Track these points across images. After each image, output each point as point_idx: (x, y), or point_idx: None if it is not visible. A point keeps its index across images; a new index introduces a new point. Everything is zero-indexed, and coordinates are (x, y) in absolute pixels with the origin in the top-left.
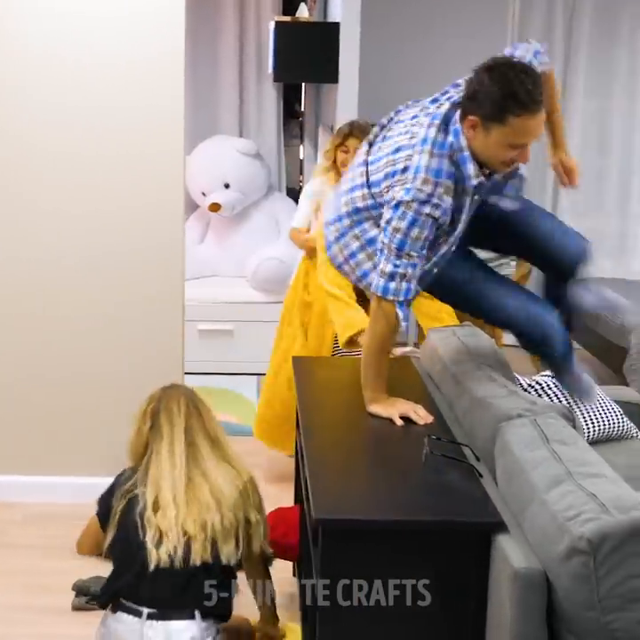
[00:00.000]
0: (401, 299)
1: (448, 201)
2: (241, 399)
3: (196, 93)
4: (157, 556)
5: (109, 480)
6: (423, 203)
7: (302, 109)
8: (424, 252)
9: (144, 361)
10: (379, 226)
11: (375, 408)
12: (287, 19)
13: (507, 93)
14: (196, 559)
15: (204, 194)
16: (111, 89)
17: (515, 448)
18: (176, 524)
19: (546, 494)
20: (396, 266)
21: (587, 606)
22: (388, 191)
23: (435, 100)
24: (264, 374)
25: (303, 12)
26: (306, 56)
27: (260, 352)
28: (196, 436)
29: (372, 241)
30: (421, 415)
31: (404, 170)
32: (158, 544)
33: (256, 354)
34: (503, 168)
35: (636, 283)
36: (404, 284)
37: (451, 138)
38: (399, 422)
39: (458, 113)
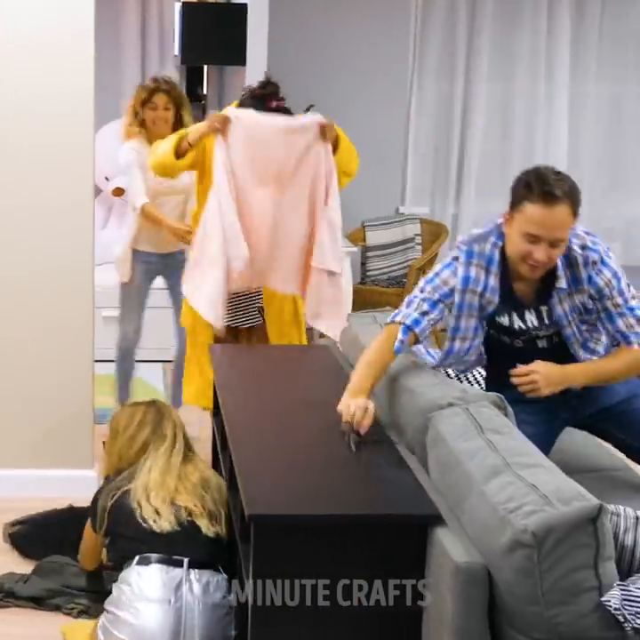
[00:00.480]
0: (408, 322)
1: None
2: (147, 386)
3: (97, 76)
4: (160, 525)
5: (25, 471)
6: (467, 259)
7: (205, 93)
8: (443, 301)
9: (55, 349)
10: None
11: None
12: None
13: (528, 181)
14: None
15: (107, 178)
16: (19, 73)
17: (448, 438)
18: (169, 500)
19: (484, 486)
20: (414, 296)
21: (530, 600)
22: None
23: None
24: (170, 361)
25: None
26: (213, 38)
27: (165, 339)
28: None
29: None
30: (358, 421)
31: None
32: (157, 516)
33: (161, 340)
34: (524, 268)
35: None
36: (414, 313)
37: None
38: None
39: None
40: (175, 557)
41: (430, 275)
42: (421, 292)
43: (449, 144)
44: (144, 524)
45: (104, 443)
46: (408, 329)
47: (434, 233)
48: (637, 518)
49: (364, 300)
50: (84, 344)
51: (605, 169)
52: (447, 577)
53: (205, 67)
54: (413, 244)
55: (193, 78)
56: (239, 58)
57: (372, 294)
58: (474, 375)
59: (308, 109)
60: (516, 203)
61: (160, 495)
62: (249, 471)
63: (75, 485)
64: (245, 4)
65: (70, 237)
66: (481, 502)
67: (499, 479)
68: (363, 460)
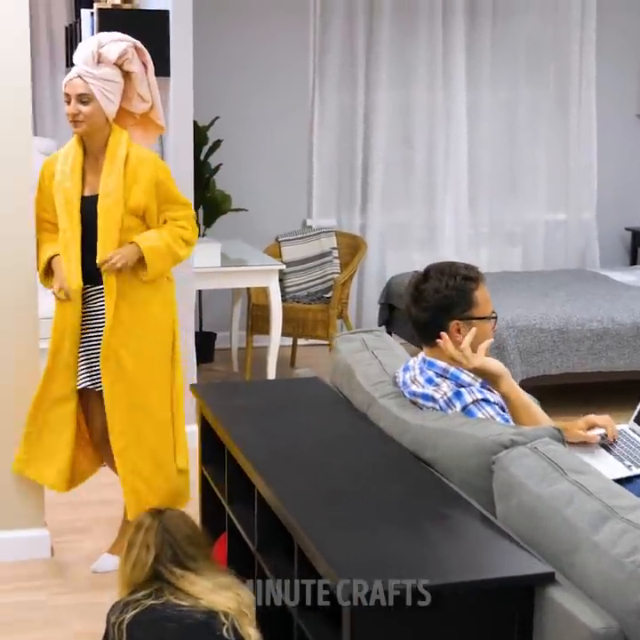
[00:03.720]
0: None
1: None
2: None
3: None
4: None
5: None
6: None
7: None
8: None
9: None
10: None
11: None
12: (108, 5)
13: (466, 277)
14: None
15: None
16: None
17: (529, 483)
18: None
19: (595, 535)
20: None
21: None
22: None
23: None
24: None
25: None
26: None
27: None
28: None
29: None
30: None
31: None
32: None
33: None
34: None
35: (502, 273)
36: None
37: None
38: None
39: None
40: None
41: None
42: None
43: (352, 155)
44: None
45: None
46: None
47: (351, 245)
48: None
49: (288, 318)
50: (29, 379)
51: (503, 175)
52: None
53: None
54: (331, 258)
55: None
56: (162, 68)
57: (297, 311)
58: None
59: (212, 123)
60: (463, 303)
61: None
62: (322, 540)
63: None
64: (167, 11)
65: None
66: (596, 555)
67: (608, 527)
68: (431, 511)
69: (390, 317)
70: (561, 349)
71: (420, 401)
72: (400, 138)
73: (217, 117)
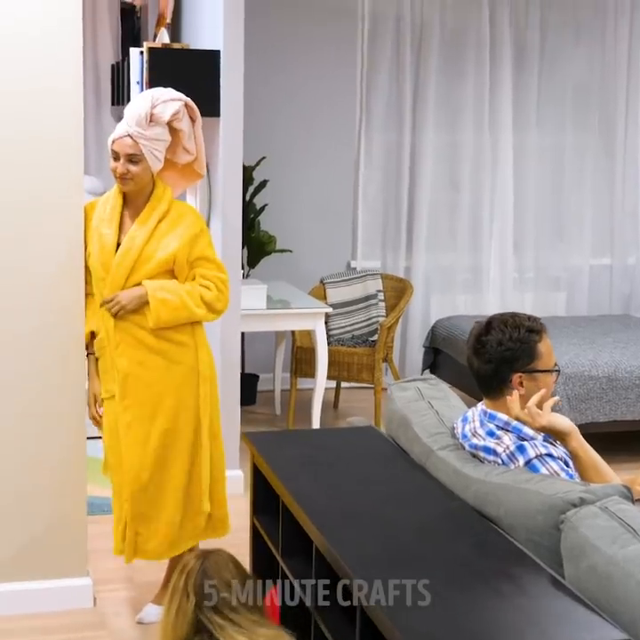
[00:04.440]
0: None
1: None
2: None
3: None
4: None
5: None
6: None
7: None
8: None
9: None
10: None
11: None
12: (158, 45)
13: (530, 329)
14: None
15: None
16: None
17: (600, 545)
18: None
19: None
20: None
21: None
22: None
23: None
24: None
25: (164, 39)
26: (183, 87)
27: None
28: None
29: None
30: None
31: None
32: None
33: None
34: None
35: (548, 318)
36: None
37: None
38: None
39: None
40: None
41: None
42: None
43: (398, 196)
44: None
45: None
46: None
47: (397, 288)
48: None
49: (333, 361)
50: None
51: (549, 219)
52: None
53: None
54: (376, 301)
55: None
56: (212, 108)
57: (342, 355)
58: None
59: (258, 163)
60: (527, 355)
61: None
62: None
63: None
64: (218, 51)
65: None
66: None
67: None
68: (499, 571)
69: (435, 361)
70: (609, 397)
71: (482, 454)
72: (446, 180)
73: (263, 157)
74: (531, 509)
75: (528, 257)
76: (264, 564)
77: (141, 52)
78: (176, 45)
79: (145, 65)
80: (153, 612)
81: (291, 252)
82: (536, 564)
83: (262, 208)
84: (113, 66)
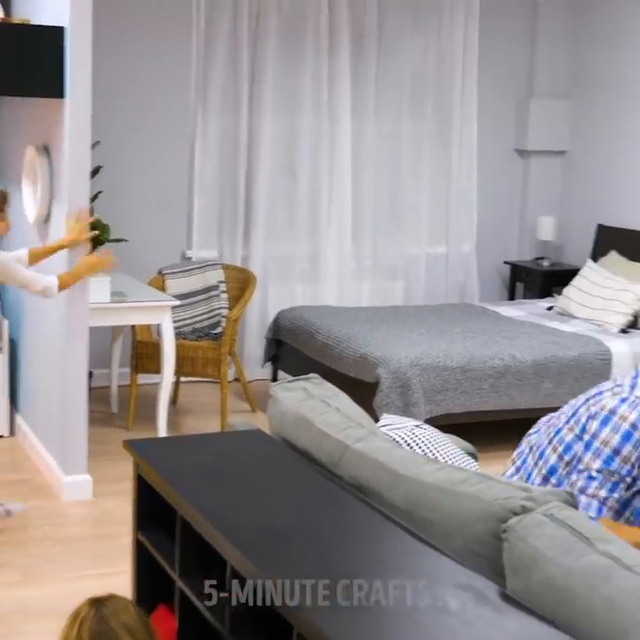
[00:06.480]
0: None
1: None
2: None
3: None
4: None
5: None
6: None
7: None
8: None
9: None
10: None
11: None
12: None
13: None
14: None
15: None
16: None
17: (554, 556)
18: None
19: None
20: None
21: None
22: None
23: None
24: None
25: None
26: (24, 66)
27: None
28: None
29: None
30: None
31: None
32: None
33: None
34: None
35: (327, 307)
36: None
37: None
38: None
39: None
40: None
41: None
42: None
43: (235, 183)
44: None
45: None
46: None
47: (240, 279)
48: None
49: (176, 356)
50: None
51: (386, 207)
52: None
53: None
54: (218, 292)
55: None
56: (57, 89)
57: (185, 349)
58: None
59: (92, 147)
60: None
61: None
62: (323, 621)
63: None
64: (62, 27)
65: None
66: None
67: None
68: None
69: (277, 352)
70: (464, 387)
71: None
72: (284, 167)
73: (97, 142)
74: (469, 516)
75: (366, 246)
76: (152, 583)
77: None
78: (15, 20)
79: None
80: None
81: (126, 241)
82: (480, 577)
83: (96, 195)
84: None
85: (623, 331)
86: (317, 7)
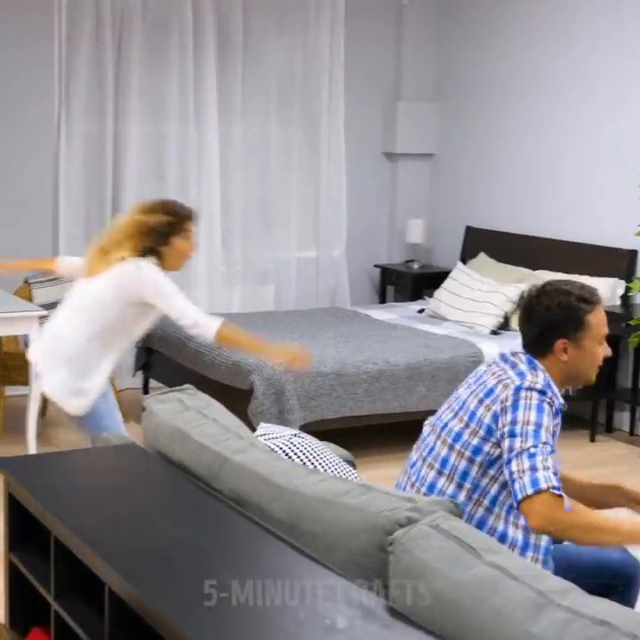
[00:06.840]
0: (556, 484)
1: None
2: None
3: None
4: None
5: None
6: (541, 392)
7: None
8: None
9: None
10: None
11: None
12: None
13: (579, 297)
14: None
15: None
16: None
17: (441, 567)
18: None
19: (534, 627)
20: (532, 456)
21: None
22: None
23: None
24: None
25: None
26: None
27: None
28: None
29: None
30: None
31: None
32: None
33: None
34: (593, 374)
35: (261, 314)
36: (551, 474)
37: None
38: None
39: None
40: None
41: (532, 427)
42: (535, 447)
43: (102, 190)
44: None
45: None
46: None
47: None
48: None
49: None
50: None
51: (256, 212)
52: None
53: None
54: None
55: None
56: None
57: None
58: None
59: None
60: (575, 322)
61: None
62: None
63: None
64: None
65: None
66: None
67: (547, 616)
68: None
69: (148, 361)
70: (338, 393)
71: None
72: (151, 172)
73: None
74: (352, 528)
75: (236, 251)
76: (25, 606)
77: None
78: None
79: None
80: None
81: None
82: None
83: None
84: None
85: (494, 332)
86: (181, 7)
